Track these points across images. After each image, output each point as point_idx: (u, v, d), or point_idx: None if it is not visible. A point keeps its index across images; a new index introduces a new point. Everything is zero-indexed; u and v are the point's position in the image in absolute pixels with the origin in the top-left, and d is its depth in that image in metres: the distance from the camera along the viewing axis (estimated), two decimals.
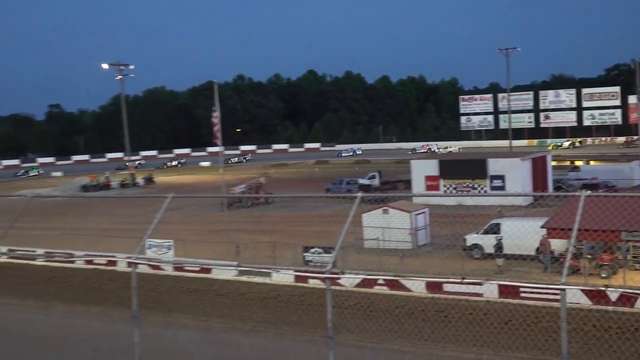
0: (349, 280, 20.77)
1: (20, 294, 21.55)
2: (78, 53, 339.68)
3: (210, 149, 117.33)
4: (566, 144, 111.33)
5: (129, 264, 13.06)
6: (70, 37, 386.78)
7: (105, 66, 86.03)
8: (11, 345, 14.86)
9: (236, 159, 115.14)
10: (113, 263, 28.41)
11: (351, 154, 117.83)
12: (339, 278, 11.41)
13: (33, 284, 25.85)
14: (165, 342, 14.14)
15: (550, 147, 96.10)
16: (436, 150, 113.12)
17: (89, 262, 29.50)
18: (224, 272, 25.87)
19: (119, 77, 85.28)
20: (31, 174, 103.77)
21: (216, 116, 40.50)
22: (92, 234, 34.39)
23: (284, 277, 24.95)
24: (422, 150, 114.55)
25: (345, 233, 10.76)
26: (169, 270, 27.00)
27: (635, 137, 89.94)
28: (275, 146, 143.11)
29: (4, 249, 25.86)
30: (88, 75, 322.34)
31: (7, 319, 14.93)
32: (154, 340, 13.23)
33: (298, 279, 24.15)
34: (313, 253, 30.28)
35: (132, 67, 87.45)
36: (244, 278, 25.69)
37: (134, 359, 11.95)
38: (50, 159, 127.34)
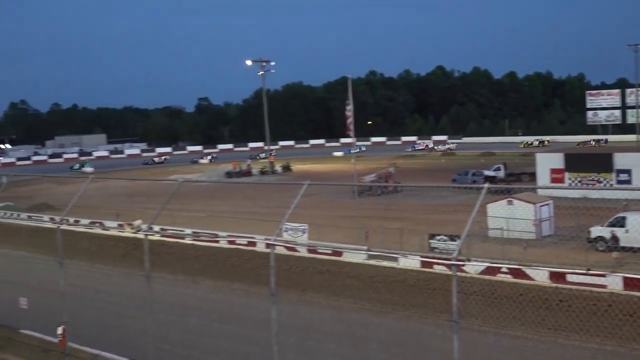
0: (473, 268, 20.45)
1: (172, 269, 22.59)
2: (224, 51, 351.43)
3: (343, 140, 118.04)
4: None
5: (268, 245, 13.42)
6: (218, 38, 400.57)
7: (249, 62, 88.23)
8: (166, 313, 15.63)
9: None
10: (253, 244, 29.24)
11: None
12: (464, 265, 11.29)
13: (182, 260, 26.93)
14: (300, 319, 14.45)
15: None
16: (434, 147, 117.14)
17: (232, 242, 30.44)
18: (354, 256, 26.03)
19: (261, 72, 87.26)
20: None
21: (349, 109, 40.66)
22: (234, 217, 35.50)
23: (410, 262, 24.83)
24: (420, 147, 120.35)
25: (472, 222, 10.62)
26: (303, 252, 27.45)
27: None
28: (405, 138, 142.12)
29: (157, 228, 27.20)
30: (233, 71, 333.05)
31: (162, 291, 15.69)
32: (289, 316, 13.56)
33: (424, 264, 23.99)
34: (438, 240, 29.99)
35: (272, 63, 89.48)
36: (372, 262, 25.72)
37: (271, 333, 12.30)
38: (199, 147, 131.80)
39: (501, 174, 59.43)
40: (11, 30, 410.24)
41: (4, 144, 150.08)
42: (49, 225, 27.87)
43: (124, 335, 16.57)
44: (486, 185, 10.92)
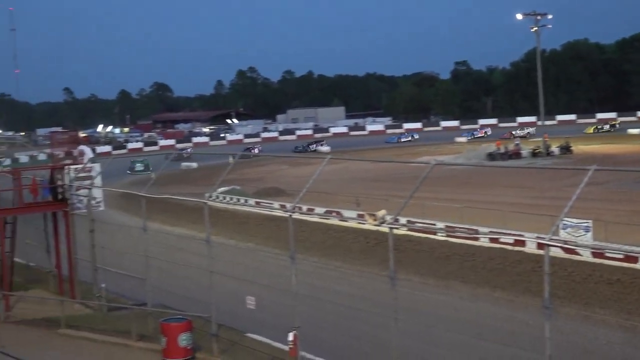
0: None
1: (420, 270, 22.95)
2: (487, 4, 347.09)
3: None
4: None
5: (540, 246, 13.13)
6: None
7: (519, 16, 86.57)
8: (412, 322, 15.89)
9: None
10: (521, 243, 28.73)
11: None
12: None
13: (433, 260, 27.28)
14: (581, 339, 14.02)
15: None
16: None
17: (494, 240, 30.10)
18: None
19: (534, 28, 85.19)
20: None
21: None
22: (498, 209, 35.04)
23: None
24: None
25: None
26: (586, 255, 26.50)
27: None
28: None
29: (403, 220, 27.56)
30: (500, 28, 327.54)
31: (407, 295, 15.99)
32: (567, 335, 13.20)
33: None
34: None
35: (549, 17, 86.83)
36: None
37: (543, 356, 12.02)
38: (454, 123, 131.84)
39: None
40: None
41: (230, 119, 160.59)
42: (280, 213, 29.54)
43: (361, 345, 17.12)
44: None
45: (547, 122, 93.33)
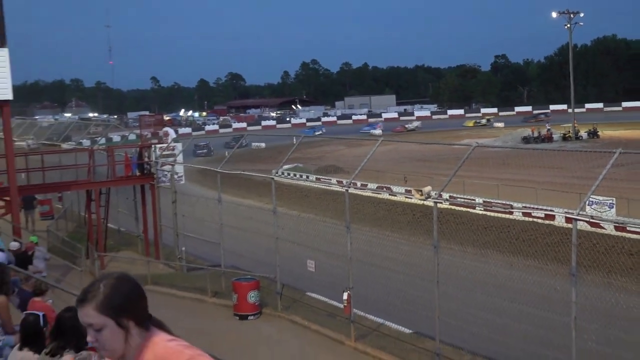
0: None
1: (460, 240, 22.78)
2: (525, 2, 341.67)
3: None
4: None
5: (569, 220, 12.94)
6: None
7: (554, 15, 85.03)
8: (453, 286, 15.84)
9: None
10: (551, 217, 28.39)
11: None
12: None
13: (472, 232, 27.03)
14: (603, 303, 13.82)
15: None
16: None
17: (527, 214, 29.79)
18: None
19: (567, 25, 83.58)
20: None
21: None
22: (531, 187, 34.62)
23: None
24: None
25: None
26: (610, 229, 26.04)
27: None
28: None
29: (446, 196, 27.51)
30: (536, 25, 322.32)
31: (449, 262, 15.92)
32: (591, 300, 13.03)
33: None
34: None
35: (581, 15, 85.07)
36: None
37: (569, 318, 11.91)
38: (493, 110, 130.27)
39: None
40: None
41: (295, 105, 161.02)
42: (337, 188, 29.59)
43: (408, 306, 17.09)
44: None
45: (577, 110, 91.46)
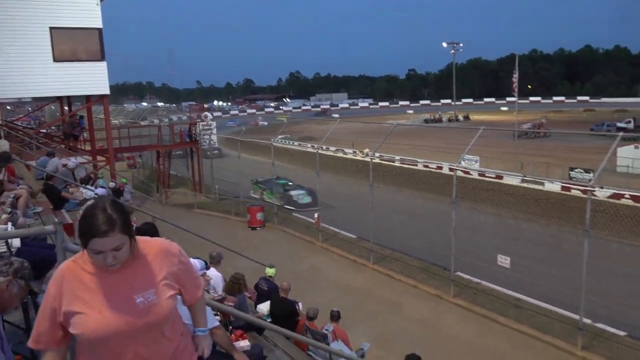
0: (601, 192, 18.34)
1: (384, 181, 22.90)
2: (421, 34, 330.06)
3: (509, 99, 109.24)
4: None
5: (451, 169, 13.11)
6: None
7: (444, 44, 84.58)
8: (381, 208, 15.86)
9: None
10: (440, 168, 28.68)
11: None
12: (595, 190, 10.20)
13: (392, 176, 27.07)
14: (471, 221, 14.06)
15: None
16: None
17: (426, 166, 30.10)
18: (512, 179, 24.51)
19: (452, 51, 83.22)
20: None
21: (515, 77, 37.75)
22: (429, 150, 34.83)
23: (553, 186, 22.87)
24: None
25: (607, 160, 9.53)
26: (475, 175, 26.34)
27: None
28: (555, 98, 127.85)
29: (377, 155, 27.72)
30: (433, 49, 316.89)
31: (378, 194, 15.90)
32: (462, 218, 13.24)
33: (564, 188, 21.98)
34: (576, 172, 27.11)
35: (461, 44, 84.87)
36: (524, 185, 24.06)
37: (449, 229, 12.10)
38: (406, 102, 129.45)
39: (631, 125, 51.78)
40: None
41: (285, 99, 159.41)
42: (311, 150, 29.41)
43: (354, 223, 17.17)
44: (620, 133, 9.73)
45: (457, 103, 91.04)
